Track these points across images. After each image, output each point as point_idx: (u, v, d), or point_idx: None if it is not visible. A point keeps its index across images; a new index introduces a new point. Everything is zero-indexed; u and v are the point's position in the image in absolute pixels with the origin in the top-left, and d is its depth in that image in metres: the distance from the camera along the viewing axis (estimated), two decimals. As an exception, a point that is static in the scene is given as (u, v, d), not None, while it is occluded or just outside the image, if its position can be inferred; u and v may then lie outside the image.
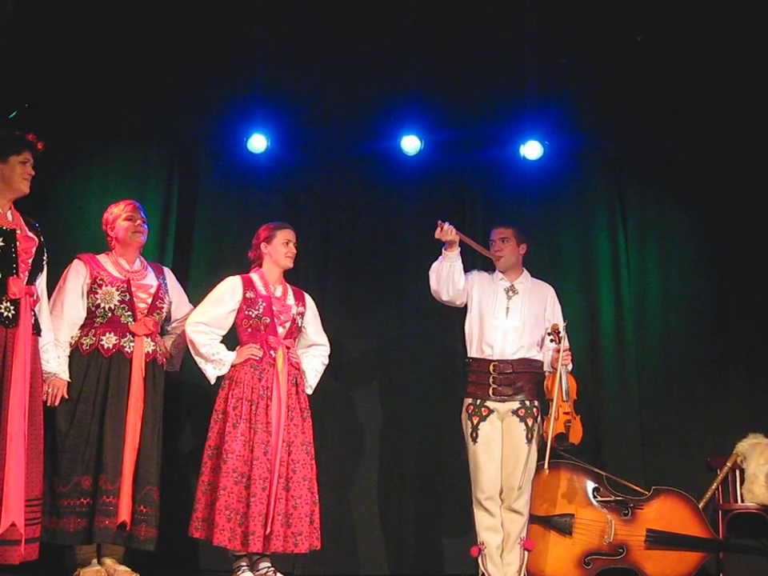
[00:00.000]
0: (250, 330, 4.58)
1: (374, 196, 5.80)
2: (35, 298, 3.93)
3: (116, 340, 4.38)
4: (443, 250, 4.72)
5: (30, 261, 3.91)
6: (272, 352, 4.55)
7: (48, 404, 4.14)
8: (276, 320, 4.60)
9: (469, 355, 4.87)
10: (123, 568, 4.31)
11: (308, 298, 4.82)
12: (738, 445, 5.37)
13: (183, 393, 5.24)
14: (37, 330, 3.94)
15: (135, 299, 4.44)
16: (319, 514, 4.50)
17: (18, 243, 3.86)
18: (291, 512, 4.42)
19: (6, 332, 3.79)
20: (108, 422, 4.27)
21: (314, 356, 4.79)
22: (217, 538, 4.29)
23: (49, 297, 4.23)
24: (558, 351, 4.68)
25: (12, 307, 3.81)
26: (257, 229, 4.83)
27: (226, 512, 4.31)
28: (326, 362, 4.84)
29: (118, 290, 4.42)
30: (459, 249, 4.71)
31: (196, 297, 4.81)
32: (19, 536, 3.67)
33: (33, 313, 3.91)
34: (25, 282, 3.86)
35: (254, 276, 4.69)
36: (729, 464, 5.35)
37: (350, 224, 5.79)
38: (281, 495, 4.40)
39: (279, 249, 4.67)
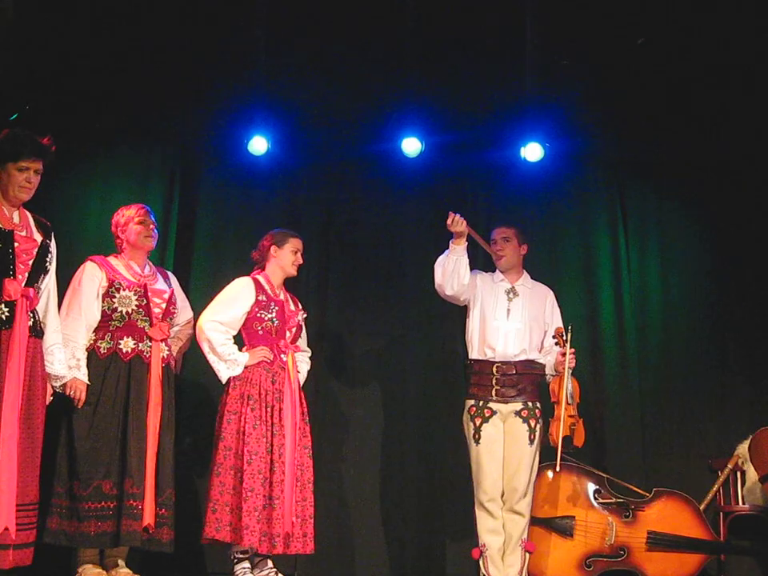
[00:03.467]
0: (261, 332, 4.59)
1: (374, 198, 5.80)
2: (34, 299, 3.87)
3: (134, 344, 4.37)
4: (450, 243, 4.70)
5: (31, 262, 3.86)
6: (282, 356, 4.57)
7: (79, 406, 4.17)
8: (286, 324, 4.62)
9: (470, 357, 4.87)
10: (125, 570, 4.30)
11: (300, 305, 4.85)
12: (738, 446, 5.37)
13: (182, 394, 5.22)
14: (36, 332, 3.89)
15: (151, 304, 4.44)
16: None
17: (16, 244, 3.83)
18: (299, 514, 4.46)
19: (0, 334, 3.76)
20: (131, 427, 4.26)
21: (301, 361, 4.81)
22: (248, 539, 4.27)
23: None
24: (563, 354, 4.68)
25: (7, 309, 3.77)
26: (257, 230, 4.85)
27: (255, 513, 4.30)
28: (308, 368, 4.86)
29: (135, 294, 4.41)
30: (467, 243, 4.70)
31: (197, 298, 4.83)
32: (11, 541, 3.63)
33: (31, 315, 3.86)
34: (23, 284, 3.82)
35: (260, 278, 4.70)
36: (730, 466, 5.35)
37: (350, 226, 5.79)
38: (298, 498, 4.44)
39: (288, 256, 4.69)
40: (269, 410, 4.47)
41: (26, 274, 3.85)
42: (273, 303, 4.61)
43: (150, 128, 5.59)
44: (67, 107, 5.25)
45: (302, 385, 4.74)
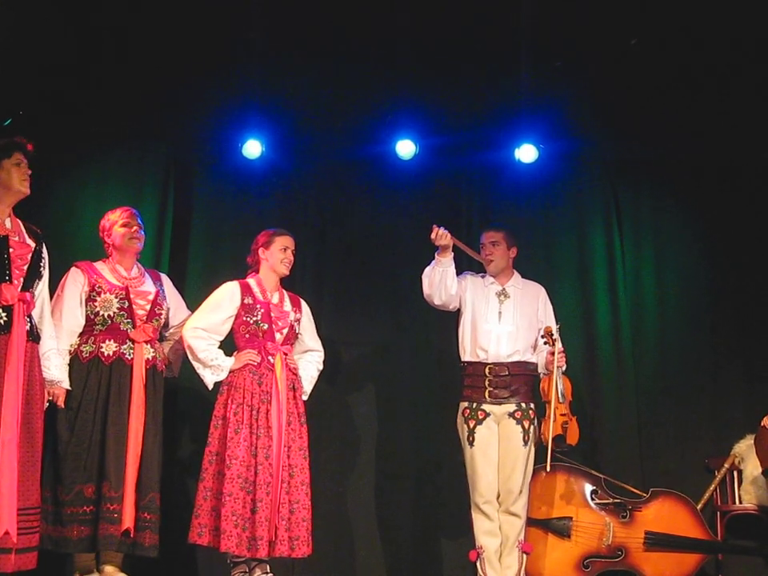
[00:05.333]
0: (248, 335, 4.58)
1: (369, 201, 5.80)
2: (30, 303, 3.89)
3: (116, 347, 4.37)
4: (436, 255, 4.72)
5: (26, 267, 3.89)
6: (270, 358, 4.56)
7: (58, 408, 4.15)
8: (274, 326, 4.61)
9: (463, 359, 4.87)
10: (122, 575, 4.30)
11: (304, 303, 4.83)
12: (735, 446, 5.37)
13: (180, 398, 5.23)
14: (33, 336, 3.92)
15: (134, 306, 4.44)
16: (311, 519, 4.51)
17: (11, 249, 3.85)
18: (289, 516, 4.44)
19: None
20: (110, 430, 4.26)
21: (309, 362, 4.80)
22: (225, 544, 4.28)
23: (49, 304, 4.21)
24: (553, 354, 4.68)
25: (5, 314, 3.79)
26: (252, 234, 4.84)
27: (233, 518, 4.30)
28: (321, 367, 4.85)
29: (116, 297, 4.42)
30: (452, 254, 4.71)
31: (192, 302, 4.81)
32: (12, 544, 3.65)
33: (28, 319, 3.88)
34: (19, 289, 3.84)
35: (251, 282, 4.69)
36: (727, 465, 5.35)
37: (345, 229, 5.79)
38: (284, 500, 4.42)
39: (276, 255, 4.68)
40: (253, 412, 4.46)
41: (22, 279, 3.87)
42: (258, 306, 4.59)
43: (144, 132, 5.60)
44: (60, 112, 5.25)
45: (308, 389, 4.72)
